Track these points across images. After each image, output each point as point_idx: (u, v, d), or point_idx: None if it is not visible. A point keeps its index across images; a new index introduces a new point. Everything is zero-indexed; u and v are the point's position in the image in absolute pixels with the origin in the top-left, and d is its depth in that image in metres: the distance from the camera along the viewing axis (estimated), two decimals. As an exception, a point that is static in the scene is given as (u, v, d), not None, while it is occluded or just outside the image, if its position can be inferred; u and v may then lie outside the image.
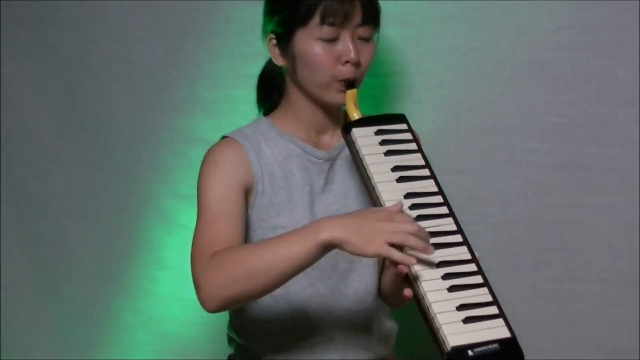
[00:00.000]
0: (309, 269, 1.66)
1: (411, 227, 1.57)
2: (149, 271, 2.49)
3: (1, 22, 2.53)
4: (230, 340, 1.96)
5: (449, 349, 1.52)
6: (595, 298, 2.08)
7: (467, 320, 1.56)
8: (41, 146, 2.55)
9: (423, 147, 1.97)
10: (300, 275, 1.66)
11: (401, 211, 1.61)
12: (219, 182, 1.80)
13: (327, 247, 1.59)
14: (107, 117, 2.48)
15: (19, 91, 2.54)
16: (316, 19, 1.77)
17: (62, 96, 2.51)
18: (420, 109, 2.11)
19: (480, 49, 2.09)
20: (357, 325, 1.88)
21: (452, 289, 1.58)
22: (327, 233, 1.57)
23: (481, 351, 1.53)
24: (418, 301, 1.59)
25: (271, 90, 1.95)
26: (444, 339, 1.53)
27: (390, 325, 1.98)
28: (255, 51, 1.93)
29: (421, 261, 1.58)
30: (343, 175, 1.89)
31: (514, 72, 2.07)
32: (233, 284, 1.62)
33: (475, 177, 2.13)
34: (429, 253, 1.58)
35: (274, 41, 1.84)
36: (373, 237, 1.55)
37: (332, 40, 1.78)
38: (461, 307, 1.56)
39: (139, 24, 2.39)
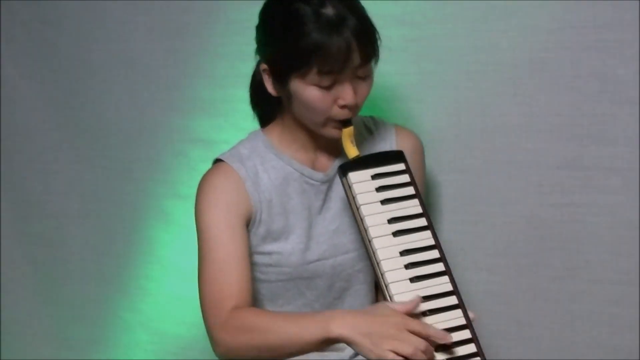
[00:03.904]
0: (306, 289, 1.74)
1: (421, 344, 1.54)
2: (148, 271, 2.49)
3: (1, 22, 2.53)
4: None
5: None
6: (596, 298, 2.08)
7: None
8: (41, 146, 2.55)
9: (423, 147, 1.98)
10: (296, 296, 1.74)
11: (415, 312, 1.59)
12: (222, 219, 1.78)
13: (334, 341, 1.60)
14: (107, 117, 2.48)
15: (19, 91, 2.54)
16: (313, 69, 1.68)
17: (62, 96, 2.51)
18: (421, 109, 2.12)
19: (481, 49, 2.09)
20: None
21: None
22: (337, 330, 1.58)
23: None
24: None
25: (264, 103, 1.90)
26: None
27: None
28: (254, 51, 1.93)
29: None
30: (340, 193, 1.85)
31: (514, 72, 2.07)
32: (244, 351, 1.68)
33: (476, 176, 2.13)
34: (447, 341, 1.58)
35: (268, 72, 1.78)
36: (381, 343, 1.54)
37: (331, 85, 1.71)
38: None
39: (139, 24, 2.39)
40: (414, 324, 1.56)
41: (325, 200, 1.86)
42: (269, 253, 1.83)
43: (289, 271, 1.84)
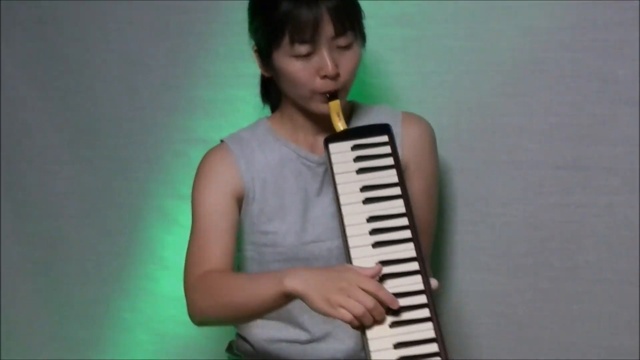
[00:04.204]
0: None
1: (369, 302, 1.55)
2: (149, 271, 2.49)
3: (1, 23, 2.52)
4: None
5: None
6: (596, 298, 2.08)
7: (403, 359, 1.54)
8: (41, 146, 2.55)
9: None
10: None
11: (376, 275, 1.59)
12: (210, 194, 1.86)
13: (289, 296, 1.62)
14: (107, 117, 2.48)
15: (18, 92, 2.54)
16: (286, 38, 1.75)
17: (61, 96, 2.51)
18: (421, 109, 2.10)
19: (481, 49, 2.09)
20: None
21: (393, 325, 1.57)
22: (290, 284, 1.60)
23: None
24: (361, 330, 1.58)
25: (271, 90, 1.97)
26: None
27: None
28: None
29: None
30: None
31: (514, 72, 2.07)
32: (212, 310, 1.74)
33: (476, 177, 2.13)
34: (393, 307, 1.57)
35: (257, 53, 1.86)
36: (331, 298, 1.56)
37: (309, 54, 1.76)
38: (398, 345, 1.55)
39: (139, 24, 2.39)
40: (367, 282, 1.56)
41: (322, 183, 1.89)
42: (265, 233, 1.87)
43: (285, 251, 1.86)
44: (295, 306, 1.72)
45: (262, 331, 1.93)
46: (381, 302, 1.55)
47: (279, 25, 1.75)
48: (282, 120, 1.92)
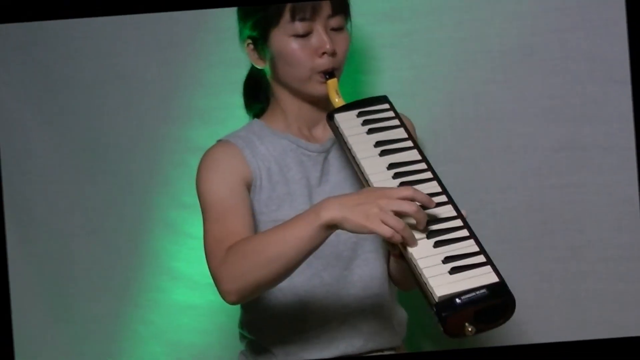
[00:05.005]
0: (313, 258, 1.70)
1: (410, 207, 1.56)
2: (158, 282, 2.49)
3: (-9, 46, 2.53)
4: (242, 337, 1.99)
5: (436, 299, 1.52)
6: (602, 275, 2.09)
7: (454, 270, 1.55)
8: (41, 167, 2.55)
9: (420, 139, 1.99)
10: (304, 266, 1.69)
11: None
12: (221, 182, 1.85)
13: (329, 227, 1.60)
14: (104, 133, 2.48)
15: (15, 114, 2.54)
16: (287, 16, 1.82)
17: (58, 115, 2.51)
18: (415, 103, 2.13)
19: (469, 39, 2.10)
20: (366, 312, 1.91)
21: (437, 244, 1.58)
22: (327, 213, 1.59)
23: (469, 298, 1.52)
24: (407, 263, 1.59)
25: (258, 94, 2.00)
26: (431, 291, 1.53)
27: (400, 312, 1.99)
28: (246, 57, 1.95)
29: (409, 226, 1.58)
30: (338, 165, 1.92)
31: (504, 59, 2.09)
32: (250, 272, 1.67)
33: (474, 165, 2.15)
34: (431, 205, 1.59)
35: (252, 46, 1.90)
36: (370, 214, 1.56)
37: (306, 34, 1.83)
38: (447, 260, 1.56)
39: (129, 38, 2.40)
40: (399, 190, 1.58)
41: (322, 172, 1.91)
42: (275, 220, 1.84)
43: None
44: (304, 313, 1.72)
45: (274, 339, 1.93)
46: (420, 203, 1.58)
47: (279, 4, 1.82)
48: (274, 117, 1.95)
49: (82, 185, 2.53)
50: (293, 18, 1.82)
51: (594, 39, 2.01)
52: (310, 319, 1.89)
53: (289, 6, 1.82)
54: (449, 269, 1.55)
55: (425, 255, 1.57)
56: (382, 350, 1.94)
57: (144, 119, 2.44)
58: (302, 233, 1.62)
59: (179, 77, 2.38)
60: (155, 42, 2.39)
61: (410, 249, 1.58)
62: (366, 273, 1.91)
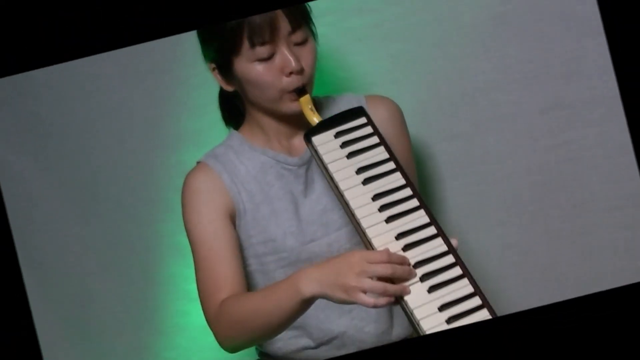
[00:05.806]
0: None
1: (387, 269, 1.56)
2: (178, 307, 2.49)
3: (-22, 105, 2.54)
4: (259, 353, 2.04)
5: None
6: (608, 226, 2.10)
7: (451, 320, 1.56)
8: (47, 213, 2.55)
9: (409, 123, 2.00)
10: None
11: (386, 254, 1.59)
12: (205, 220, 1.84)
13: (310, 301, 1.64)
14: (102, 169, 2.48)
15: (14, 165, 2.54)
16: (246, 43, 1.76)
17: (55, 160, 2.51)
18: (398, 89, 2.13)
19: (442, 18, 2.11)
20: (370, 310, 1.90)
21: (431, 289, 1.59)
22: (307, 290, 1.62)
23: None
24: (400, 305, 1.59)
25: (232, 108, 1.97)
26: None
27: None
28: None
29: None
30: (320, 173, 1.88)
31: (479, 32, 2.10)
32: (240, 337, 1.78)
33: (466, 139, 2.16)
34: (410, 278, 1.59)
35: (217, 70, 1.85)
36: (348, 287, 1.57)
37: (270, 57, 1.77)
38: (443, 308, 1.57)
39: (113, 74, 2.40)
40: (374, 255, 1.57)
41: (306, 183, 1.89)
42: (264, 242, 1.86)
43: (287, 256, 1.87)
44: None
45: (280, 345, 1.95)
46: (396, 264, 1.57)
47: (236, 31, 1.75)
48: (252, 131, 1.91)
49: (89, 224, 2.53)
50: (252, 45, 1.76)
51: (563, -2, 2.03)
52: (313, 324, 1.91)
53: (246, 32, 1.74)
54: (446, 318, 1.56)
55: (421, 304, 1.57)
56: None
57: (138, 150, 2.45)
58: (284, 306, 1.66)
59: (164, 103, 2.39)
60: (136, 74, 2.40)
61: (405, 298, 1.58)
62: None
